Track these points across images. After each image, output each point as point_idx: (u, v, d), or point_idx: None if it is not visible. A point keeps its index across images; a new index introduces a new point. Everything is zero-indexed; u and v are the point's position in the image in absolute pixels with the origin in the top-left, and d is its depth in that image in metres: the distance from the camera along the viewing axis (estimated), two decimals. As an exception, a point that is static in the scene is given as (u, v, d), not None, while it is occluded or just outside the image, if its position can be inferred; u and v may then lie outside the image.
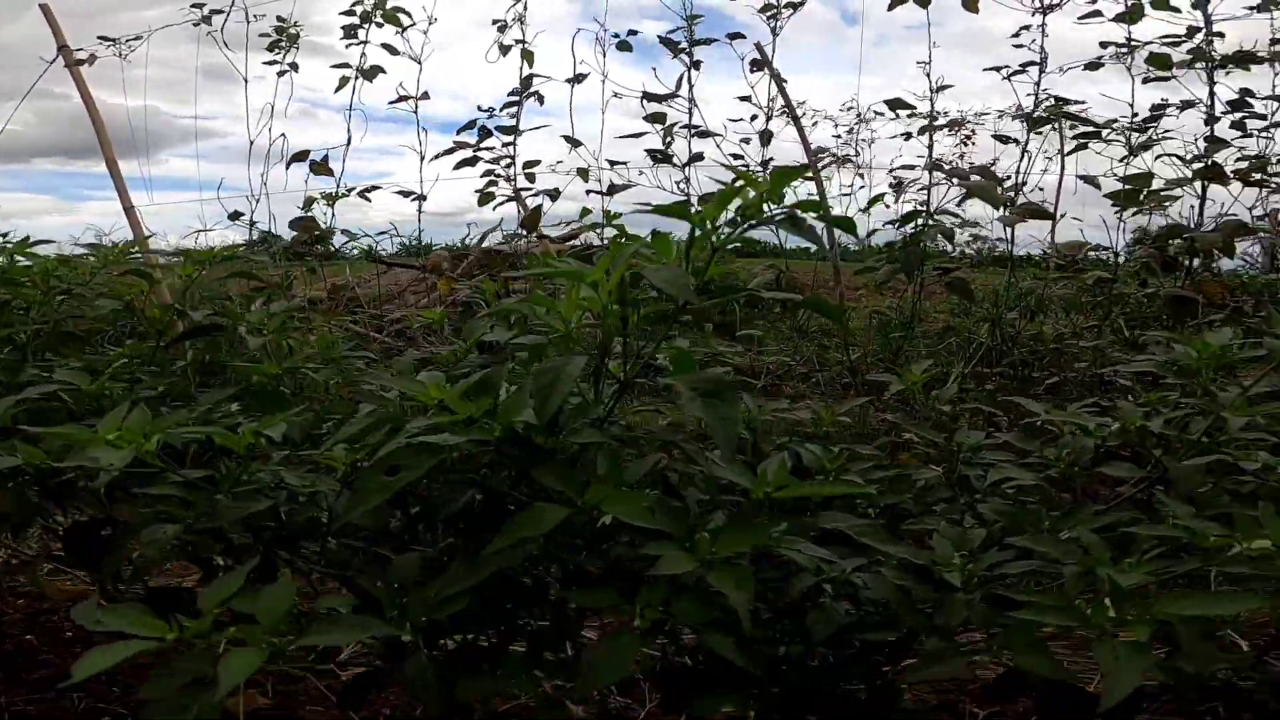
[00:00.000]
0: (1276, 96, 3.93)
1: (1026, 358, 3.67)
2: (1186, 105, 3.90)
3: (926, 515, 1.11)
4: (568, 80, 4.26)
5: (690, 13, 3.91)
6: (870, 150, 4.96)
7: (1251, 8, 3.94)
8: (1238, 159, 3.92)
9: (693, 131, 4.02)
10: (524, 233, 4.31)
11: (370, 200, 4.35)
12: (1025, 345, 3.70)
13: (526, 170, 4.24)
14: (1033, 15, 3.73)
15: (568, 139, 4.22)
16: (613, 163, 4.23)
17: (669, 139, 4.09)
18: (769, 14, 4.02)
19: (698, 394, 0.86)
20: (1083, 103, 3.93)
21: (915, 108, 3.86)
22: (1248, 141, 3.92)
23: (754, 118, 4.11)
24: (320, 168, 4.27)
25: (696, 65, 3.97)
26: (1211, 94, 3.92)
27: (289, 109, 4.45)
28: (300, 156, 4.27)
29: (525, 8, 4.25)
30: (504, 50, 4.32)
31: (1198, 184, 3.85)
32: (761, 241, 4.78)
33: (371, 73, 4.37)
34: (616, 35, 4.15)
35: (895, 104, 3.87)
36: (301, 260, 4.27)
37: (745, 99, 4.08)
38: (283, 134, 4.38)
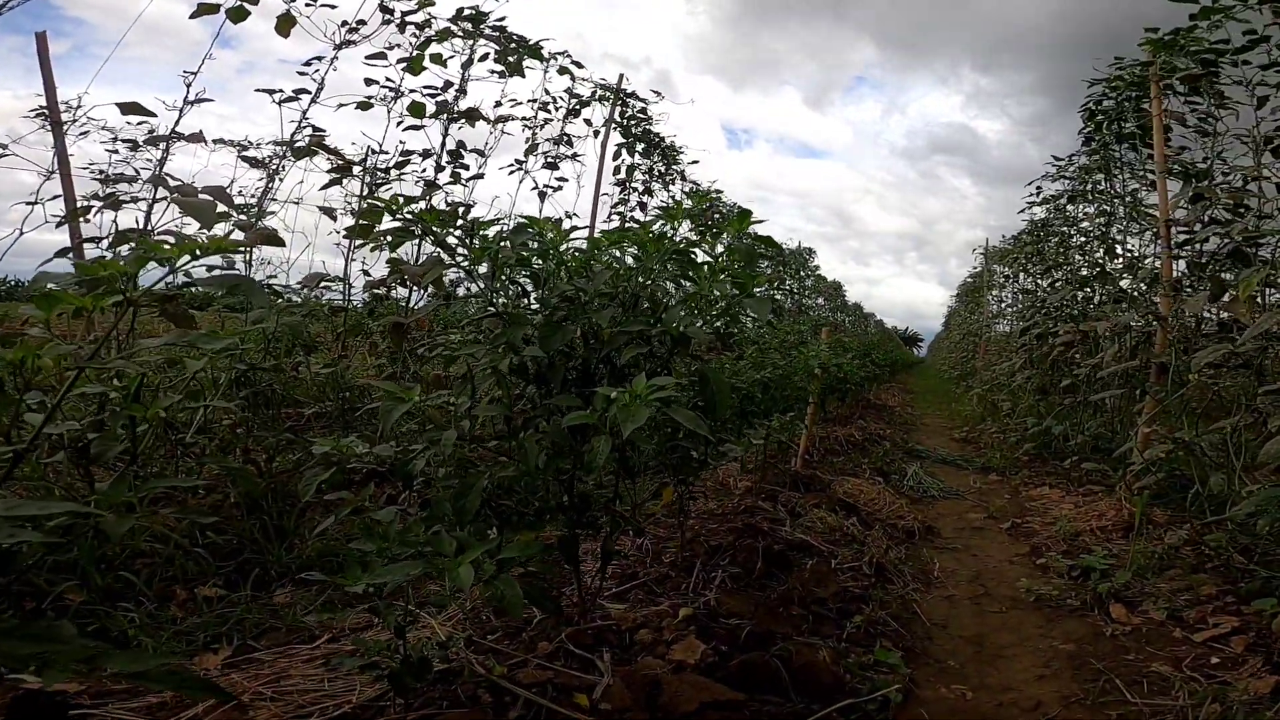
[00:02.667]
0: (480, 152, 4.66)
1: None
2: (426, 154, 4.30)
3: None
4: None
5: None
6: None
7: (495, 73, 4.49)
8: (449, 201, 4.56)
9: None
10: None
11: None
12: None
13: None
14: (334, 50, 3.54)
15: None
16: None
17: None
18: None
19: None
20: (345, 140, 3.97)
21: (154, 114, 3.34)
22: (455, 188, 4.58)
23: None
24: None
25: None
26: (443, 144, 4.40)
27: None
28: None
29: None
30: None
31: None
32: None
33: None
34: None
35: (128, 108, 3.26)
36: None
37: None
38: None
